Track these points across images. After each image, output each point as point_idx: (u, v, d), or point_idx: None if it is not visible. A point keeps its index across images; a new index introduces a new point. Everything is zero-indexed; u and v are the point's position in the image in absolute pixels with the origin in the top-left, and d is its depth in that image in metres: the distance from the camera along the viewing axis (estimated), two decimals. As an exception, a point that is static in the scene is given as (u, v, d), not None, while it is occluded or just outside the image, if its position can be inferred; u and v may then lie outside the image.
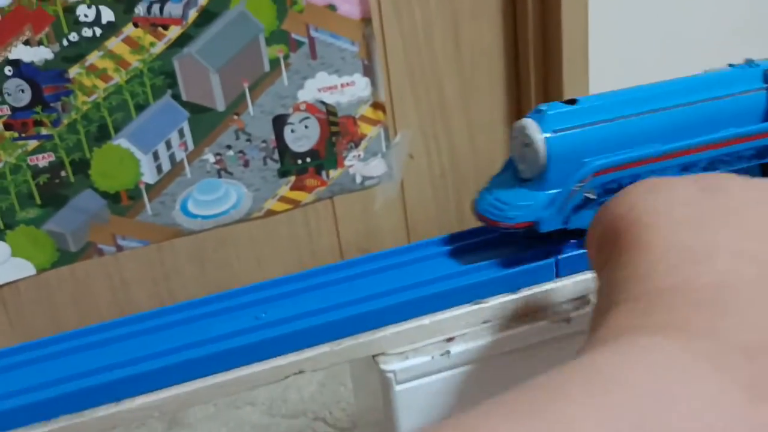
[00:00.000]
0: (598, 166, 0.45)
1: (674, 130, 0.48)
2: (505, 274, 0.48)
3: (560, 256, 0.49)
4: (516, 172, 0.48)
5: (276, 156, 0.97)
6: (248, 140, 0.95)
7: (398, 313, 0.47)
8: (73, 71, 0.86)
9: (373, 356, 0.47)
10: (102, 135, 0.89)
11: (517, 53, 1.02)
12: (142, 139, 0.91)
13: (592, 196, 0.46)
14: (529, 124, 0.46)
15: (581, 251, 0.49)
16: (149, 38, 0.87)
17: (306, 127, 0.97)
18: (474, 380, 0.48)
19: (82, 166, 0.90)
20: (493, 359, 0.48)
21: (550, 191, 0.46)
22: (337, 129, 0.98)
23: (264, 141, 0.95)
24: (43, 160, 0.88)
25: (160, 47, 0.88)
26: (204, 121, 0.92)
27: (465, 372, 0.47)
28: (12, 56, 0.83)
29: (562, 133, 0.46)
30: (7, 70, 0.84)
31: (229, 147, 0.94)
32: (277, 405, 0.84)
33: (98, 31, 0.85)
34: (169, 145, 0.92)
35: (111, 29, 0.86)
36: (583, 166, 0.45)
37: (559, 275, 0.49)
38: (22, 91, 0.85)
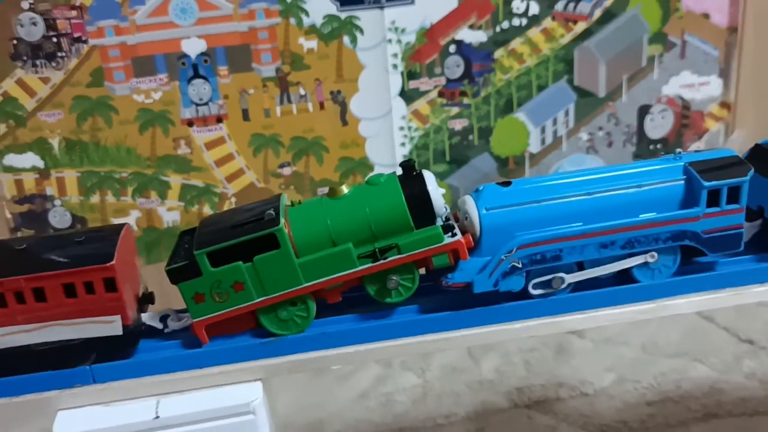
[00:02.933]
0: (523, 241, 0.52)
1: (596, 213, 0.54)
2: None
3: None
4: None
5: (634, 140, 1.12)
6: (616, 124, 1.11)
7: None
8: (498, 53, 1.04)
9: None
10: (507, 108, 1.07)
11: None
12: (536, 115, 1.08)
13: (518, 265, 0.52)
14: (468, 200, 0.54)
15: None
16: (561, 30, 1.04)
17: (663, 117, 1.12)
18: None
19: (485, 133, 1.07)
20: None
21: (483, 258, 0.52)
22: (687, 122, 1.13)
23: (627, 126, 1.11)
24: (458, 125, 1.06)
25: (567, 39, 1.05)
26: (586, 104, 1.09)
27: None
28: (457, 37, 1.02)
29: (494, 210, 0.53)
30: (451, 48, 1.02)
31: (600, 128, 1.10)
32: (649, 346, 0.99)
33: (524, 22, 1.03)
34: (555, 122, 1.09)
35: (534, 21, 1.03)
36: (512, 239, 0.52)
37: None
38: (458, 66, 1.04)
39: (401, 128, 1.05)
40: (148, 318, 0.54)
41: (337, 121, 1.03)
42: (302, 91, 1.00)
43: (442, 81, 1.04)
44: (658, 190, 0.54)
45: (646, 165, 0.56)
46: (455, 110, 1.05)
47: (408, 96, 1.03)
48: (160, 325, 0.54)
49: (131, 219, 1.01)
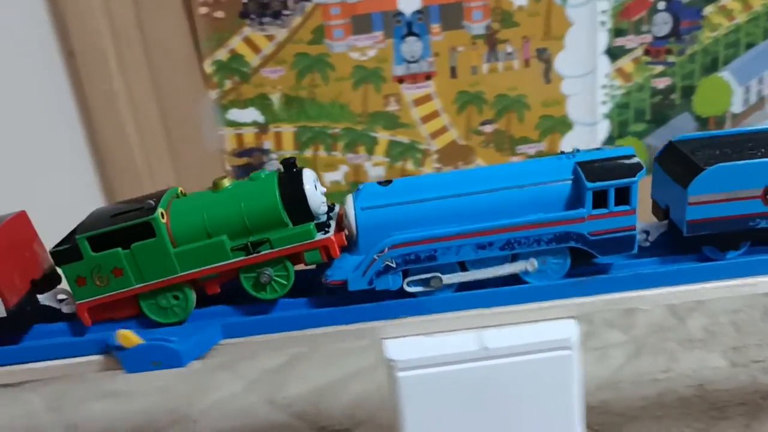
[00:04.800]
0: (395, 241, 0.52)
1: (476, 213, 0.52)
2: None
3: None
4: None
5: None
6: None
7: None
8: (708, 10, 1.02)
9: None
10: (711, 67, 1.05)
11: None
12: (741, 74, 1.06)
13: (392, 265, 0.52)
14: (348, 199, 0.54)
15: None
16: (773, -14, 1.01)
17: None
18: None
19: (688, 92, 1.06)
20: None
21: (360, 257, 0.53)
22: None
23: (836, 86, 1.07)
24: (661, 84, 1.05)
25: (781, -5, 1.02)
26: (795, 62, 1.06)
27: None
28: (669, -7, 1.01)
29: (370, 209, 0.53)
30: (660, 5, 1.01)
31: (807, 88, 1.07)
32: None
33: (737, -23, 1.01)
34: (760, 81, 1.07)
35: (748, -24, 1.01)
36: (386, 238, 0.52)
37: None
38: (666, 23, 1.02)
39: (603, 86, 1.04)
40: (45, 299, 0.57)
41: (541, 78, 1.03)
42: (509, 49, 1.01)
43: (649, 38, 1.03)
44: (543, 190, 0.53)
45: (536, 164, 0.54)
46: (659, 68, 1.04)
47: (613, 53, 1.03)
48: (57, 306, 0.57)
49: (339, 174, 1.05)
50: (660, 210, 0.58)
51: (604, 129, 1.07)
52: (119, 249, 0.52)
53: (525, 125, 1.05)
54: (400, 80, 1.01)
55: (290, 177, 0.52)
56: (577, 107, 1.05)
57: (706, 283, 0.54)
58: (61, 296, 0.57)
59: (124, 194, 0.97)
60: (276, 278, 0.53)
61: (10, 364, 0.54)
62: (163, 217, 0.52)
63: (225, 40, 0.97)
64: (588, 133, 1.06)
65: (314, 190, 0.53)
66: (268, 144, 1.03)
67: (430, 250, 0.52)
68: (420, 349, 0.53)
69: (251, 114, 1.01)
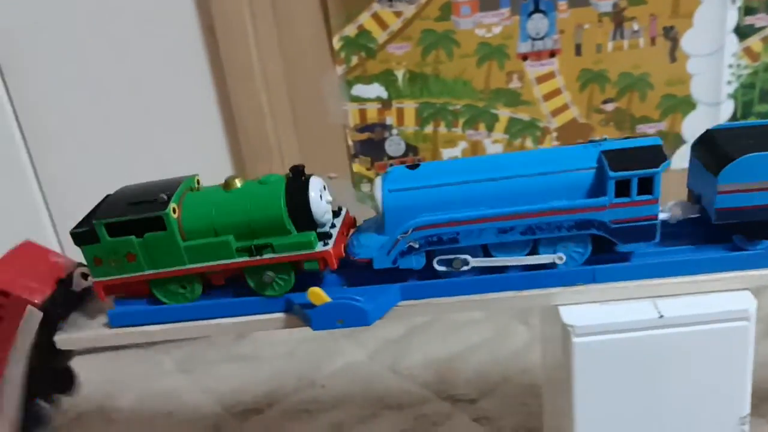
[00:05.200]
0: (418, 223, 0.53)
1: (500, 198, 0.53)
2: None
3: None
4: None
5: None
6: None
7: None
8: (844, -13, 0.99)
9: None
10: (844, 46, 1.02)
11: None
12: None
13: (415, 246, 0.54)
14: (377, 181, 0.55)
15: None
16: None
17: None
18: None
19: (817, 72, 1.04)
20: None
21: (386, 237, 0.54)
22: None
23: None
24: (790, 63, 1.03)
25: None
26: None
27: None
28: (803, -30, 0.98)
29: (397, 192, 0.54)
30: (794, -18, 0.99)
31: None
32: None
33: None
34: None
35: None
36: (411, 220, 0.53)
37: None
38: (799, 1, 1.00)
39: (730, 66, 1.03)
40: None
41: (666, 57, 1.02)
42: (635, 27, 1.00)
43: (779, 17, 1.01)
44: (567, 177, 0.53)
45: (562, 152, 0.55)
46: (789, 48, 1.02)
47: (742, 32, 1.01)
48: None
49: (458, 150, 1.06)
50: (694, 198, 0.58)
51: (728, 109, 1.05)
52: (133, 237, 0.55)
53: (646, 104, 1.05)
54: (524, 57, 1.02)
55: (296, 185, 0.54)
56: (701, 87, 1.04)
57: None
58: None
59: (254, 166, 1.01)
60: (278, 280, 0.55)
61: (180, 321, 0.58)
62: (174, 212, 0.55)
63: (354, 17, 0.99)
64: (711, 113, 1.05)
65: (319, 199, 0.54)
66: (390, 120, 1.05)
67: (453, 233, 0.54)
68: (596, 315, 0.54)
69: (375, 90, 1.03)
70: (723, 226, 0.54)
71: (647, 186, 0.52)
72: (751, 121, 0.66)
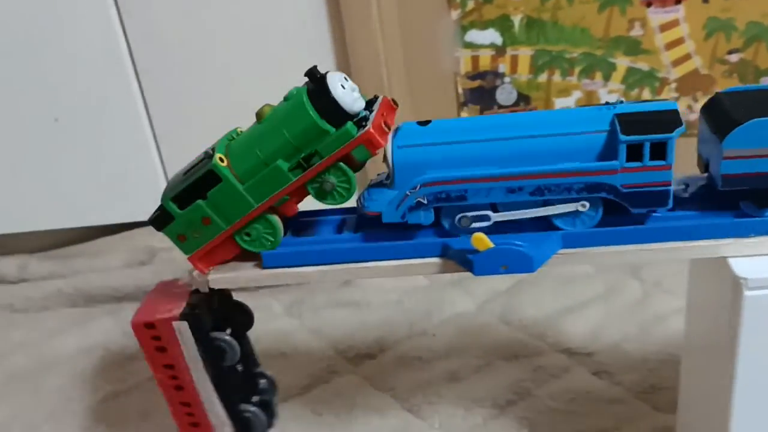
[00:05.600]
0: (426, 179, 0.54)
1: (510, 158, 0.53)
2: None
3: None
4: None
5: None
6: None
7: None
8: None
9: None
10: None
11: None
12: None
13: (423, 201, 0.54)
14: (389, 137, 0.54)
15: None
16: None
17: None
18: None
19: None
20: None
21: (394, 191, 0.54)
22: None
23: None
24: None
25: None
26: None
27: None
28: None
29: (406, 148, 0.54)
30: None
31: None
32: None
33: None
34: None
35: None
36: (420, 176, 0.54)
37: None
38: None
39: None
40: None
41: (799, 5, 0.97)
42: (769, -28, 0.95)
43: None
44: (579, 139, 0.52)
45: (575, 113, 0.53)
46: None
47: None
48: None
49: (571, 99, 1.04)
50: (702, 163, 0.56)
51: None
52: (199, 200, 0.56)
53: (774, 55, 1.00)
54: (648, 4, 0.98)
55: (317, 87, 0.53)
56: (834, 37, 0.99)
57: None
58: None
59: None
60: (339, 185, 0.55)
61: (351, 262, 0.58)
62: (223, 161, 0.55)
63: (473, -41, 0.96)
64: (843, 66, 1.00)
65: (343, 90, 0.53)
66: (502, 67, 1.02)
67: (461, 190, 0.54)
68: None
69: (490, 35, 1.00)
70: (730, 193, 0.52)
71: (660, 151, 0.50)
72: (764, 84, 0.63)
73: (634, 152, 0.51)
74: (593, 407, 0.78)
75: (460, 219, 0.55)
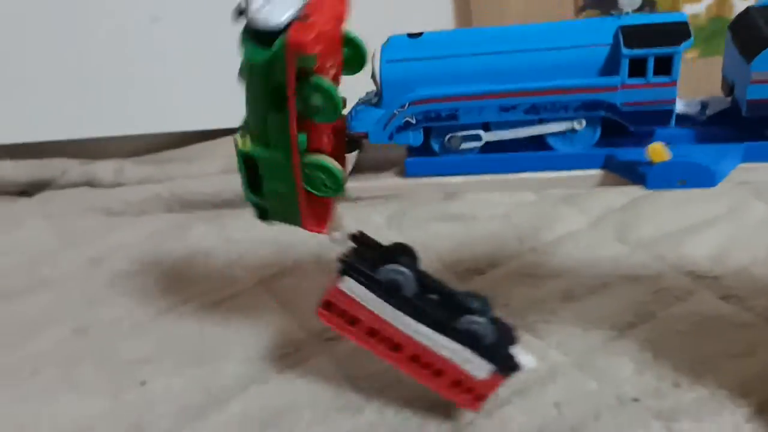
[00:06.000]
0: (415, 97, 0.50)
1: (506, 73, 0.49)
2: None
3: None
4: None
5: None
6: None
7: None
8: None
9: None
10: None
11: None
12: None
13: (412, 121, 0.51)
14: (377, 52, 0.51)
15: None
16: None
17: None
18: None
19: None
20: None
21: (382, 110, 0.51)
22: None
23: None
24: None
25: None
26: None
27: None
28: None
29: (395, 63, 0.50)
30: None
31: None
32: None
33: None
34: None
35: None
36: (409, 94, 0.50)
37: None
38: None
39: None
40: None
41: None
42: None
43: None
44: (579, 53, 0.49)
45: (576, 25, 0.50)
46: None
47: None
48: None
49: (702, 6, 0.96)
50: (727, 86, 0.50)
51: None
52: (263, 183, 0.55)
53: None
54: None
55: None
56: None
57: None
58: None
59: (479, 19, 0.94)
60: (323, 103, 0.50)
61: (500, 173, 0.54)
62: (242, 143, 0.56)
63: None
64: None
65: (262, 6, 0.49)
66: (628, -32, 0.95)
67: (452, 109, 0.51)
68: None
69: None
70: (756, 120, 0.47)
71: (665, 66, 0.47)
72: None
73: (637, 67, 0.48)
74: (723, 331, 0.74)
75: (449, 139, 0.52)
